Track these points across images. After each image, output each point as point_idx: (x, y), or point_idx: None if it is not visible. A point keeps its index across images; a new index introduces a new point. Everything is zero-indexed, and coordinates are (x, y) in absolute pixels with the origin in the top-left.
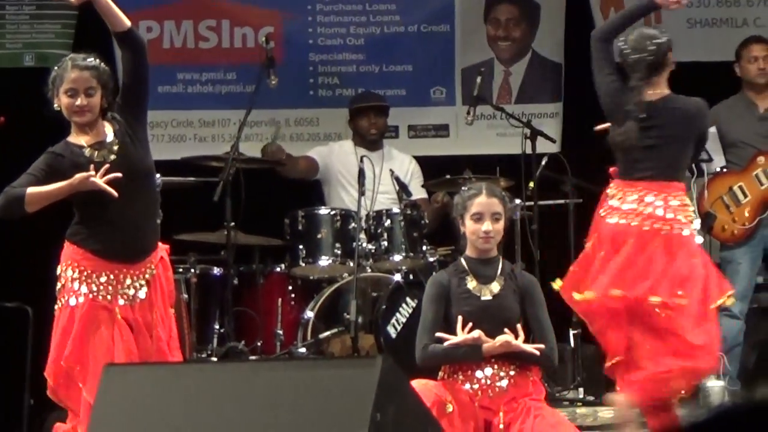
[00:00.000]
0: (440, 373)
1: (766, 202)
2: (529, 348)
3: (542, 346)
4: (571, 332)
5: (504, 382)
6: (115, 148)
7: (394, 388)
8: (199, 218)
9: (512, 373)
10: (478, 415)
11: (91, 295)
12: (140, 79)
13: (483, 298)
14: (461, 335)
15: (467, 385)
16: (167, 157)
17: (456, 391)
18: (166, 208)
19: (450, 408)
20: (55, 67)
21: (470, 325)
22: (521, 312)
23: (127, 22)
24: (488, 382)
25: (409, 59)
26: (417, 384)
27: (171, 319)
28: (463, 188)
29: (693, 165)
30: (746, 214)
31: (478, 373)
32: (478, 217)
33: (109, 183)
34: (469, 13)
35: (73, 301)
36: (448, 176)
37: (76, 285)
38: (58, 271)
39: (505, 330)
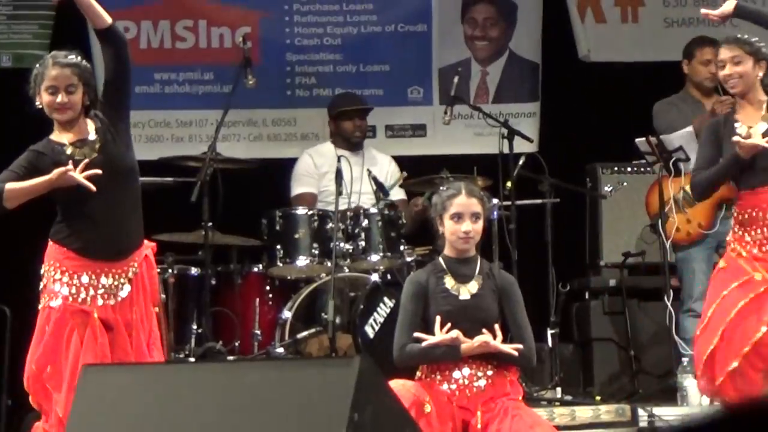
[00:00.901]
0: (418, 373)
1: (721, 201)
2: (507, 348)
3: (520, 346)
4: (549, 332)
5: (482, 382)
6: (97, 146)
7: (372, 388)
8: (177, 218)
9: (490, 373)
10: (456, 416)
11: (70, 299)
12: (123, 75)
13: (461, 298)
14: (439, 335)
15: (445, 385)
16: (144, 158)
17: (434, 392)
18: (143, 208)
19: (428, 408)
20: (37, 65)
21: (448, 325)
22: (499, 311)
23: (109, 19)
24: (466, 382)
25: (386, 59)
26: (395, 384)
27: (152, 318)
28: (441, 188)
29: (670, 164)
30: (702, 214)
31: (456, 374)
32: (458, 217)
33: (89, 179)
34: (446, 12)
35: (53, 303)
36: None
37: (57, 286)
38: (42, 271)
39: (483, 330)
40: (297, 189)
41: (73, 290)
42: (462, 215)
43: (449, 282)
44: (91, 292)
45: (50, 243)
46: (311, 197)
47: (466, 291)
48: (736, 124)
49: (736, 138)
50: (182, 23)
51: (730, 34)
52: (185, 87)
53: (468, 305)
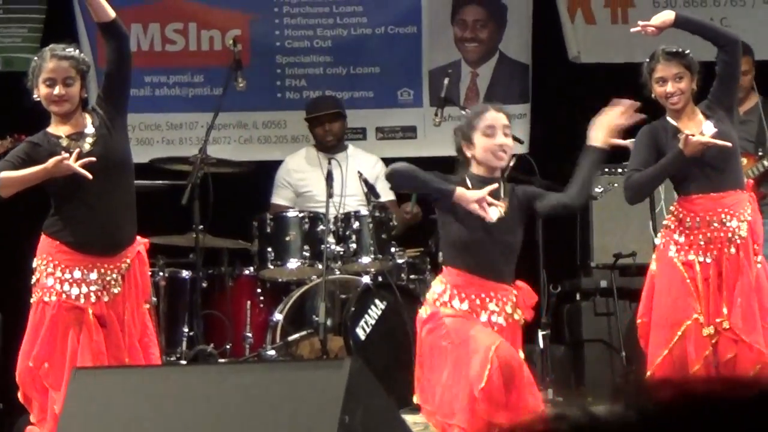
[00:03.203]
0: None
1: None
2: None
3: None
4: (540, 333)
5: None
6: (93, 139)
7: (363, 390)
8: (168, 221)
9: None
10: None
11: (64, 296)
12: (123, 70)
13: (493, 220)
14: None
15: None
16: (135, 160)
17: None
18: None
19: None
20: (35, 57)
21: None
22: (532, 207)
23: (112, 13)
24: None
25: (376, 61)
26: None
27: (145, 314)
28: (462, 112)
29: None
30: None
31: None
32: (491, 132)
33: (85, 168)
34: (436, 14)
35: (46, 298)
36: None
37: (50, 281)
38: (34, 264)
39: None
40: (273, 198)
41: (66, 286)
42: (494, 128)
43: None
44: (84, 288)
45: (43, 236)
46: (280, 210)
47: (495, 213)
48: (686, 131)
49: (688, 132)
50: (172, 26)
51: (667, 46)
52: (175, 90)
53: (494, 229)
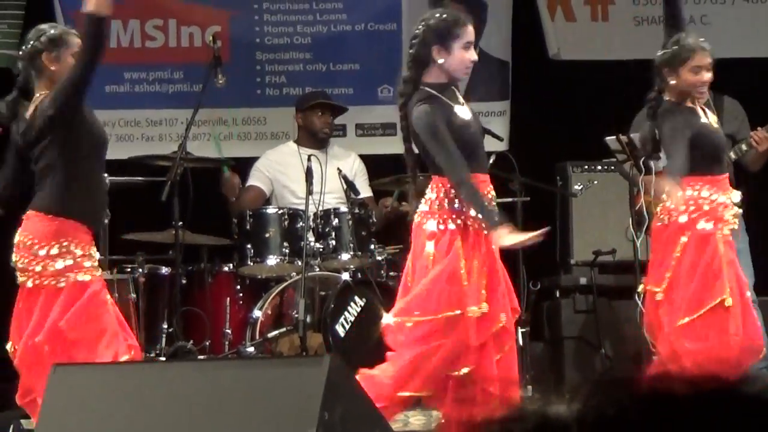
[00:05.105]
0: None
1: None
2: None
3: None
4: (520, 330)
5: None
6: None
7: (342, 387)
8: (147, 218)
9: None
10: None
11: (98, 272)
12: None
13: (471, 119)
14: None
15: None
16: (114, 157)
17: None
18: (113, 207)
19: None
20: (51, 30)
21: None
22: None
23: (109, 11)
24: None
25: (356, 58)
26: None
27: None
28: (436, 14)
29: (641, 163)
30: None
31: None
32: (468, 46)
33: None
34: (416, 11)
35: (80, 277)
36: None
37: (88, 263)
38: (56, 251)
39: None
40: (247, 182)
41: (87, 262)
42: (470, 44)
43: (457, 107)
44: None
45: (51, 219)
46: (256, 191)
47: (467, 112)
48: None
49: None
50: (152, 22)
51: (699, 36)
52: (155, 86)
53: (476, 124)
